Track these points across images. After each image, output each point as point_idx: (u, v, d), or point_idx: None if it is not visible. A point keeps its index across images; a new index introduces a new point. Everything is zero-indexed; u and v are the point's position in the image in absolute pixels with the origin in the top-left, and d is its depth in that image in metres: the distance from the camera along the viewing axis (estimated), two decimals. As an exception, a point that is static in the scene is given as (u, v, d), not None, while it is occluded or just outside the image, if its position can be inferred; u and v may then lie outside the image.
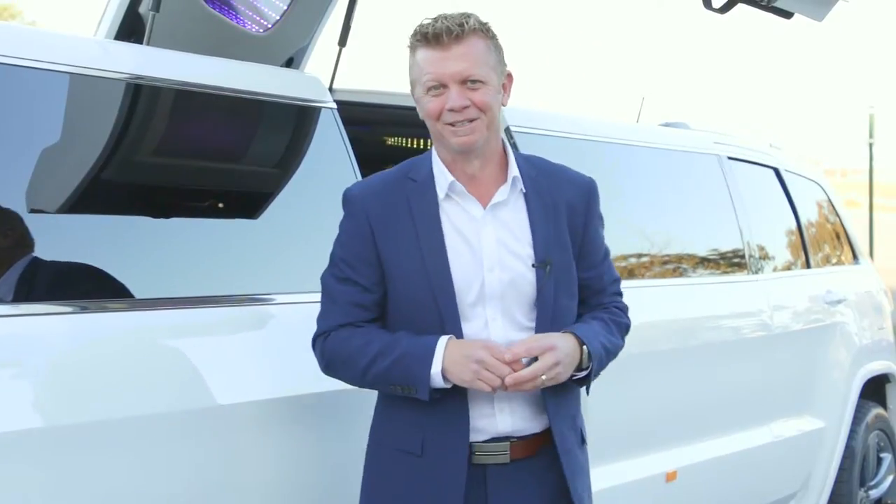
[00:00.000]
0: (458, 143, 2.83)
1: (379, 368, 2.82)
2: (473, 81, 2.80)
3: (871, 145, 20.63)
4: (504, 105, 2.93)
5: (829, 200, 6.39)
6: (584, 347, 2.83)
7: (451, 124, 2.81)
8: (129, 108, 3.26)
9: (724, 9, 4.43)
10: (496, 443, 2.85)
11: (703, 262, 5.14)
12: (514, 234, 2.87)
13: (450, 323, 2.82)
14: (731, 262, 5.24)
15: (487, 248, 2.85)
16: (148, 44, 3.59)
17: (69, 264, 2.94)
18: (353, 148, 3.66)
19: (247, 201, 3.56)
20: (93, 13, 3.97)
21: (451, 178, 2.87)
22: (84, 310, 2.88)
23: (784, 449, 5.32)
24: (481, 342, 2.78)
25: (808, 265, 5.88)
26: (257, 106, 3.56)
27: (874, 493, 6.01)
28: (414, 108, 2.93)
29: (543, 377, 2.75)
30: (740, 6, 4.41)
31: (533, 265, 2.85)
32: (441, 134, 2.85)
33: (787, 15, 4.52)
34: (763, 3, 4.36)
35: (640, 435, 4.43)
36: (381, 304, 2.89)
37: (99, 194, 3.14)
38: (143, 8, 3.77)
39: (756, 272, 5.31)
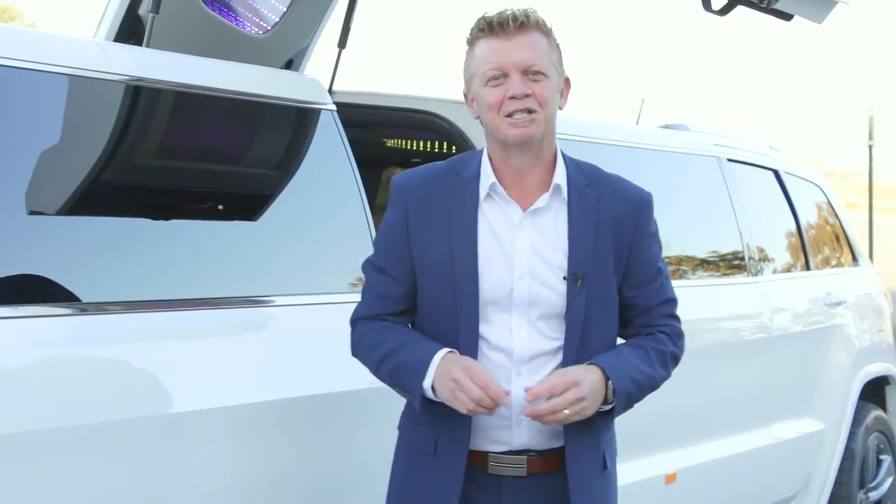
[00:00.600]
0: (516, 135, 2.75)
1: (385, 371, 2.82)
2: (535, 73, 2.75)
3: (870, 147, 20.60)
4: (560, 109, 2.87)
5: (829, 202, 6.39)
6: (610, 383, 2.74)
7: (510, 115, 2.74)
8: (128, 110, 3.26)
9: (723, 11, 4.43)
10: (514, 455, 2.81)
11: (703, 264, 5.14)
12: (550, 243, 2.80)
13: (467, 326, 2.78)
14: (731, 264, 5.24)
15: (520, 255, 2.79)
16: (147, 46, 3.59)
17: (68, 266, 2.93)
18: (352, 150, 3.66)
19: (246, 203, 3.56)
20: (92, 15, 3.97)
21: (493, 178, 2.82)
22: (83, 311, 2.88)
23: (784, 451, 5.32)
24: (464, 362, 2.72)
25: (807, 267, 5.88)
26: (257, 108, 3.55)
27: (874, 495, 6.01)
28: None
29: (567, 412, 2.68)
30: (740, 8, 4.41)
31: (564, 278, 2.78)
32: (498, 127, 2.77)
33: (786, 17, 4.52)
34: (763, 5, 4.36)
35: (639, 437, 4.42)
36: (412, 296, 2.87)
37: (98, 196, 3.14)
38: (143, 10, 3.77)
39: (756, 274, 5.30)
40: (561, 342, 2.80)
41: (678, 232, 4.98)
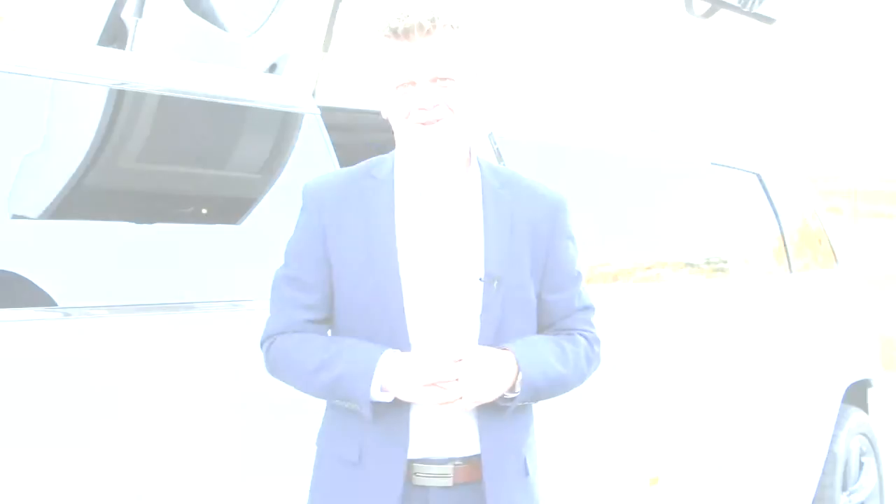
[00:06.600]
0: (426, 144, 2.71)
1: (321, 383, 2.69)
2: (444, 78, 2.69)
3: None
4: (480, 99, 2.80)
5: (812, 206, 6.41)
6: (520, 375, 2.66)
7: (423, 124, 2.69)
8: (111, 115, 3.26)
9: (706, 14, 4.45)
10: (439, 465, 2.71)
11: (685, 267, 5.16)
12: (466, 244, 2.74)
13: (397, 328, 2.69)
14: (714, 267, 5.26)
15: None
16: (131, 49, 3.59)
17: (52, 270, 2.93)
18: (336, 154, 3.66)
19: (230, 207, 3.56)
20: (76, 19, 3.97)
21: (406, 178, 2.76)
22: (67, 316, 2.87)
23: (766, 454, 5.33)
24: (422, 359, 2.62)
25: (790, 270, 5.90)
26: (240, 112, 3.55)
27: (856, 498, 6.03)
28: None
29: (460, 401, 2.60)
30: (723, 11, 4.43)
31: (479, 279, 2.72)
32: (408, 133, 2.72)
33: (768, 20, 4.54)
34: (745, 10, 4.38)
35: (622, 438, 4.44)
36: (328, 303, 2.77)
37: (81, 201, 3.14)
38: (127, 13, 3.76)
39: (738, 277, 5.32)
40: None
41: (662, 235, 5.00)
